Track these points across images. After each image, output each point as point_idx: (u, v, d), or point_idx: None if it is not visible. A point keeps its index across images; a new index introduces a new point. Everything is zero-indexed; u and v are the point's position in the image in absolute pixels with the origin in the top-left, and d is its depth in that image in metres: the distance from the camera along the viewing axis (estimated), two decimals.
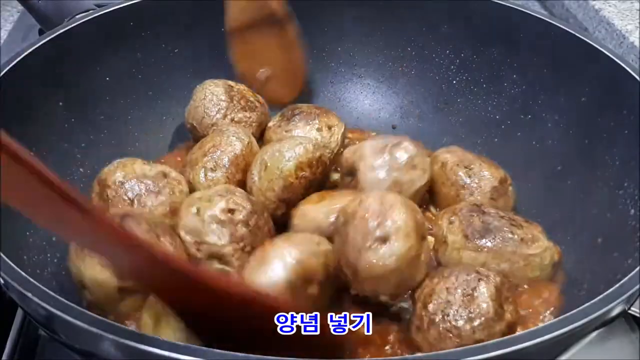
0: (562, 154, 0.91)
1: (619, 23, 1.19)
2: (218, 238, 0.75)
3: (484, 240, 0.77)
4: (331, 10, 1.08)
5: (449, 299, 0.68)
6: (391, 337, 0.74)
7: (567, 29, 0.93)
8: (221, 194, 0.78)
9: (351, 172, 0.85)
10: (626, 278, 0.59)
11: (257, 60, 1.04)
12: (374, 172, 0.81)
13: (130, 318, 0.72)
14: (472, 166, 0.88)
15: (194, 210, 0.76)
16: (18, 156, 0.45)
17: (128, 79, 1.00)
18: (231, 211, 0.76)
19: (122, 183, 0.81)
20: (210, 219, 0.75)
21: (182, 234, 0.76)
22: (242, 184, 0.86)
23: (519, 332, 0.54)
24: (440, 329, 0.67)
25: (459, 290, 0.68)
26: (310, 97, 1.09)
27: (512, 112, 1.00)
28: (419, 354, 0.59)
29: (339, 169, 0.91)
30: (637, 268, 0.60)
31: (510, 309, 0.69)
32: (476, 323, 0.66)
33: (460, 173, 0.88)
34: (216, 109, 0.94)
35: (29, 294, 0.55)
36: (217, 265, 0.75)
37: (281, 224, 0.83)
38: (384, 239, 0.69)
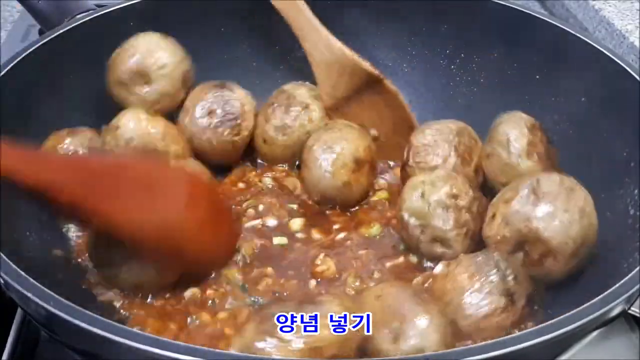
0: (561, 154, 0.91)
1: (619, 23, 1.19)
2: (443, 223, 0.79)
3: None
4: (331, 11, 1.08)
5: None
6: None
7: (567, 29, 0.93)
8: (444, 179, 0.82)
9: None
10: (626, 278, 0.59)
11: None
12: None
13: None
14: None
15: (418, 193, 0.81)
16: None
17: None
18: (455, 196, 0.80)
19: None
20: (435, 204, 0.80)
21: (406, 216, 0.81)
22: None
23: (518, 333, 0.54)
24: None
25: None
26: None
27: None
28: (419, 354, 0.59)
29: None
30: (637, 268, 0.60)
31: None
32: None
33: None
34: None
35: (29, 294, 0.55)
36: (439, 248, 0.81)
37: None
38: None
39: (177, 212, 0.73)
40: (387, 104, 0.99)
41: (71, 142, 0.86)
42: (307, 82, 1.01)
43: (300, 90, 0.98)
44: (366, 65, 0.97)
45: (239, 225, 0.85)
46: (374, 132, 1.00)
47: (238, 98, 0.96)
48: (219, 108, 0.94)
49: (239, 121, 0.95)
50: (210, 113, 0.93)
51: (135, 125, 0.86)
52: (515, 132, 0.85)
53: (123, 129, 0.86)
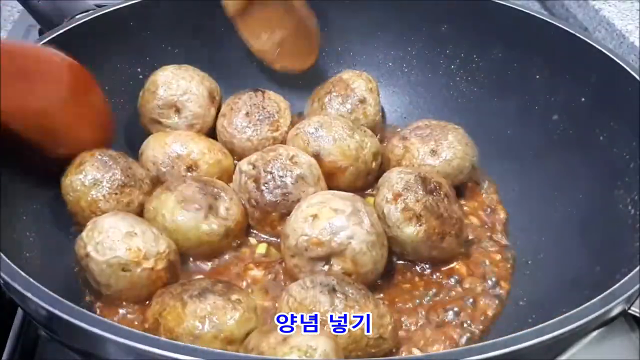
0: (562, 154, 0.91)
1: (619, 23, 1.19)
2: None
3: None
4: (331, 10, 1.08)
5: None
6: None
7: (567, 29, 0.93)
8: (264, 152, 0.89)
9: None
10: (626, 278, 0.59)
11: (267, 32, 1.03)
12: None
13: None
14: None
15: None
16: None
17: (128, 79, 1.00)
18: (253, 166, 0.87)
19: None
20: None
21: None
22: None
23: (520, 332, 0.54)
24: None
25: None
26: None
27: (512, 112, 1.00)
28: (419, 354, 0.59)
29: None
30: (637, 268, 0.60)
31: None
32: None
33: None
34: None
35: (29, 294, 0.55)
36: None
37: None
38: None
39: (57, 97, 0.77)
40: (286, 7, 1.01)
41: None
42: (364, 72, 1.03)
43: (358, 82, 1.01)
44: None
45: (108, 105, 0.90)
46: (278, 36, 1.02)
47: (272, 97, 0.99)
48: (256, 108, 0.96)
49: (276, 117, 0.97)
50: (248, 114, 0.96)
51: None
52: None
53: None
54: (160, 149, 0.89)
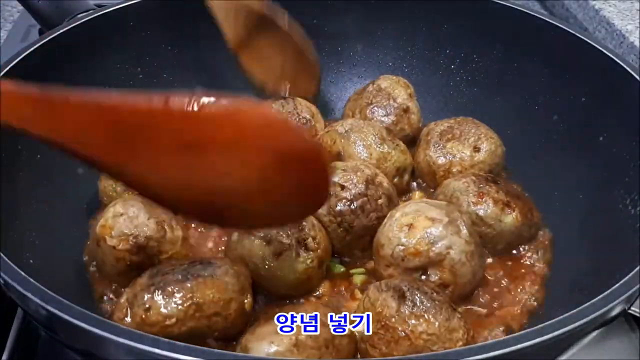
0: (561, 154, 0.91)
1: (619, 23, 1.19)
2: None
3: None
4: (331, 10, 1.08)
5: None
6: None
7: (567, 29, 0.93)
8: (344, 169, 0.82)
9: None
10: (626, 278, 0.59)
11: (269, 65, 1.04)
12: None
13: None
14: None
15: None
16: None
17: (128, 79, 1.00)
18: (341, 187, 0.80)
19: None
20: None
21: None
22: None
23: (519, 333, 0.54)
24: None
25: None
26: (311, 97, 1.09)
27: (512, 112, 1.00)
28: (419, 354, 0.59)
29: None
30: (637, 268, 0.60)
31: None
32: None
33: None
34: None
35: (29, 294, 0.55)
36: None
37: None
38: None
39: (234, 179, 0.53)
40: (286, 40, 1.02)
41: None
42: (399, 76, 1.03)
43: (398, 90, 1.00)
44: (257, 4, 0.99)
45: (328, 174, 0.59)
46: (279, 67, 1.03)
47: (302, 103, 0.99)
48: (292, 116, 0.96)
49: (313, 122, 0.97)
50: None
51: None
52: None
53: None
54: None
